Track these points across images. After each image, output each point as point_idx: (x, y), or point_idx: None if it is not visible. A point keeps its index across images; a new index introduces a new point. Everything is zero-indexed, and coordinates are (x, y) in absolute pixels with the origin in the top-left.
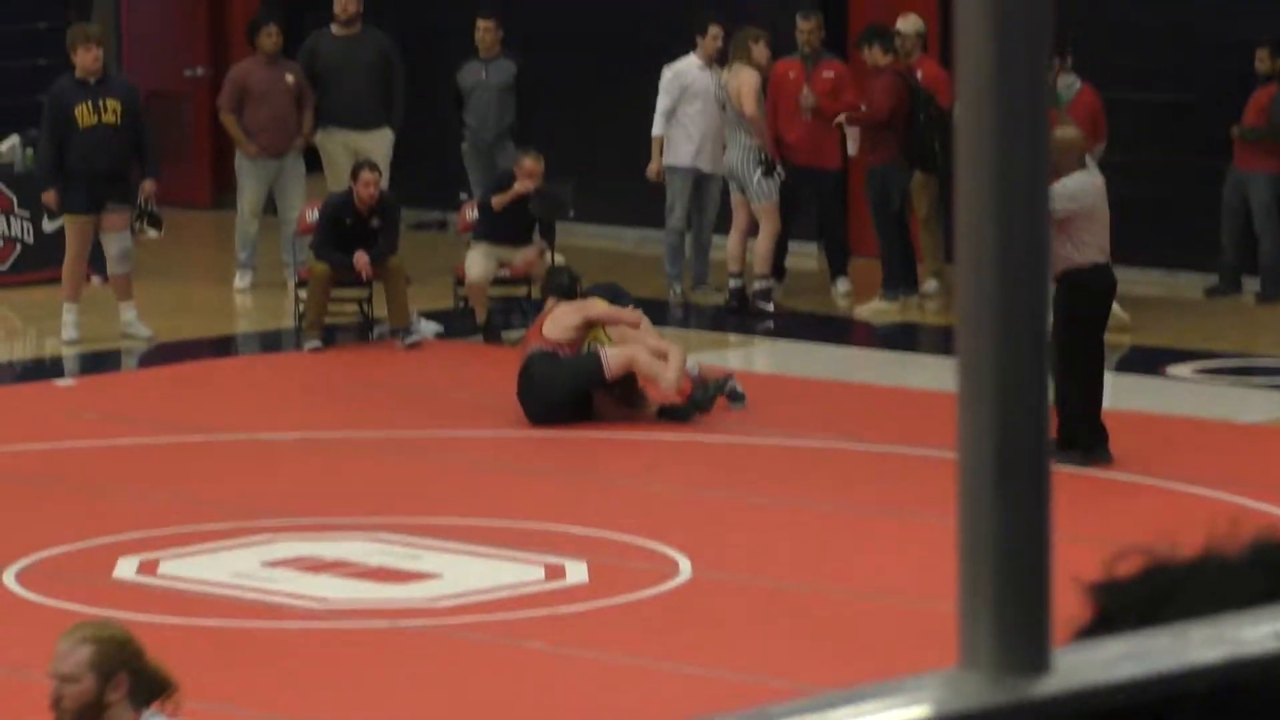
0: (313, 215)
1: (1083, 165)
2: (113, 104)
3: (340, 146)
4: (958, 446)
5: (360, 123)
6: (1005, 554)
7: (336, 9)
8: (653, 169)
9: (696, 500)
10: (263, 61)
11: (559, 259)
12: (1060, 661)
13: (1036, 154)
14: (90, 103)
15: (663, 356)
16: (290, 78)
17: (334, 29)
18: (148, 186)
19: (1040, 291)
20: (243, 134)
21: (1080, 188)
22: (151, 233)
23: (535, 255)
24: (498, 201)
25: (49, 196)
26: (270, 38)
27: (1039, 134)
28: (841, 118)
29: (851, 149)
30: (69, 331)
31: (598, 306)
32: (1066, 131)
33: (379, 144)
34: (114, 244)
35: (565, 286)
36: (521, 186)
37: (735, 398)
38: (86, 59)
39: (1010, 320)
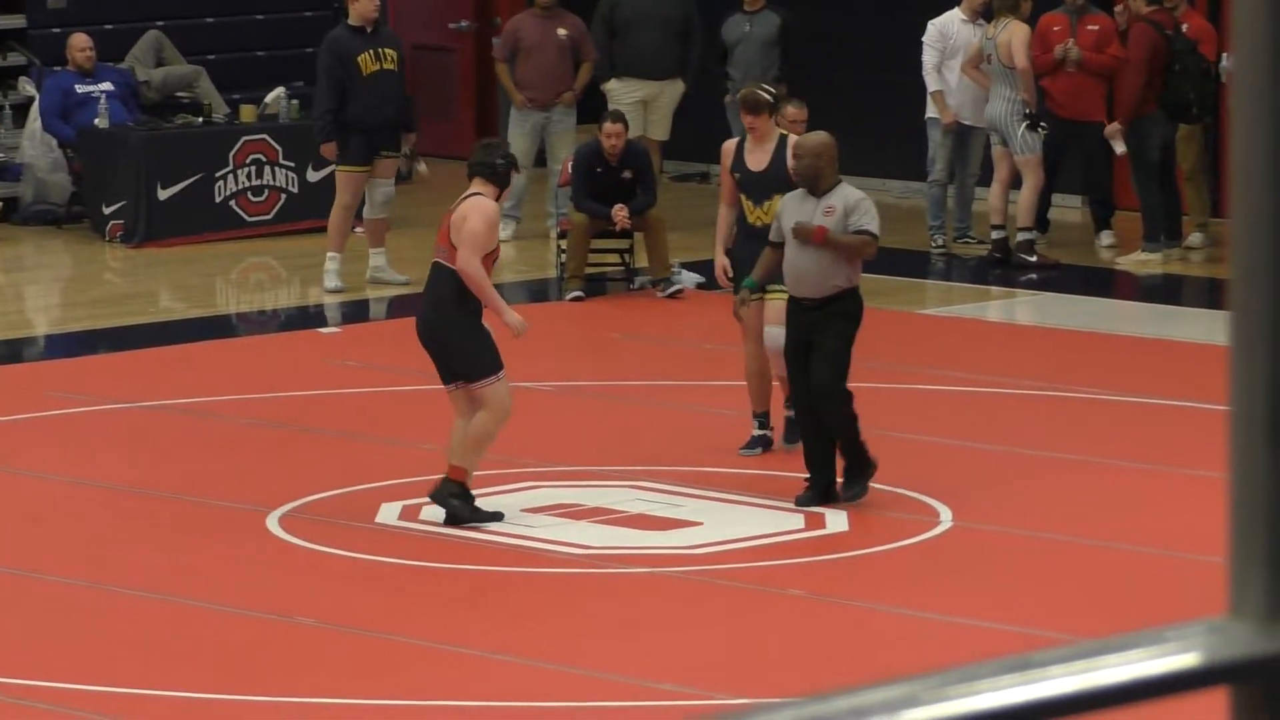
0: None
1: None
2: (390, 52)
3: (630, 96)
4: (1230, 399)
5: (654, 74)
6: (1277, 505)
7: None
8: (947, 118)
9: (956, 450)
10: (537, 14)
11: None
12: None
13: None
14: (372, 51)
15: None
16: (563, 31)
17: None
18: (411, 139)
19: None
20: (513, 85)
21: None
22: (422, 166)
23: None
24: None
25: (329, 149)
26: None
27: None
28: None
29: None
30: (332, 280)
31: None
32: None
33: (668, 94)
34: (380, 190)
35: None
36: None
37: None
38: (367, 7)
39: None
